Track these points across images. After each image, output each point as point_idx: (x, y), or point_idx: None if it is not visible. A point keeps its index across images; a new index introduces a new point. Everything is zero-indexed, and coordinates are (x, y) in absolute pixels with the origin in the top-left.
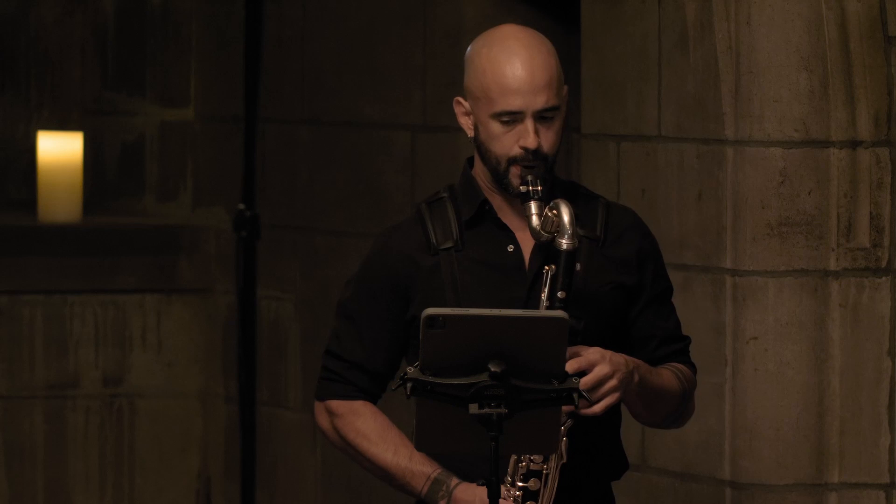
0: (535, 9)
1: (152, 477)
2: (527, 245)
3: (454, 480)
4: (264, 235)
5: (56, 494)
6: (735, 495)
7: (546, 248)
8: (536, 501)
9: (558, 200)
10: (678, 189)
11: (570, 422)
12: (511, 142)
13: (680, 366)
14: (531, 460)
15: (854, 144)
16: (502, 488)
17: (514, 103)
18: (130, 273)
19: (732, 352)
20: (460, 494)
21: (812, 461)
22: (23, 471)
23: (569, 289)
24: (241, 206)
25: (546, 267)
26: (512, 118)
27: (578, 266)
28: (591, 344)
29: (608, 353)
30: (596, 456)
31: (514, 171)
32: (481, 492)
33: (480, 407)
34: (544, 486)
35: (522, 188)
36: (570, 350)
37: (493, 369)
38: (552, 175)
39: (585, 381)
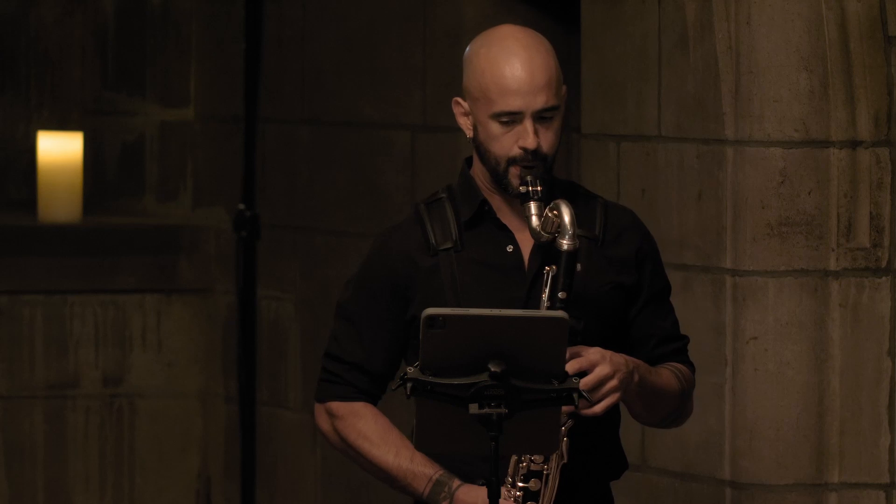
0: (535, 9)
1: (152, 477)
2: (526, 245)
3: (456, 482)
4: (264, 235)
5: (56, 494)
6: (735, 495)
7: (546, 248)
8: (537, 502)
9: (559, 201)
10: (678, 189)
11: (570, 422)
12: (510, 142)
13: (679, 365)
14: (532, 461)
15: (854, 144)
16: (503, 489)
17: (513, 104)
18: (130, 273)
19: (732, 352)
20: (462, 496)
21: (812, 461)
22: (23, 471)
23: (570, 289)
24: (241, 206)
25: (547, 268)
26: (511, 118)
27: (579, 267)
28: (590, 344)
29: (609, 353)
30: (595, 456)
31: (514, 172)
32: (483, 493)
33: (480, 407)
34: (545, 487)
35: (522, 188)
36: (571, 350)
37: (493, 369)
38: (551, 175)
39: (586, 382)
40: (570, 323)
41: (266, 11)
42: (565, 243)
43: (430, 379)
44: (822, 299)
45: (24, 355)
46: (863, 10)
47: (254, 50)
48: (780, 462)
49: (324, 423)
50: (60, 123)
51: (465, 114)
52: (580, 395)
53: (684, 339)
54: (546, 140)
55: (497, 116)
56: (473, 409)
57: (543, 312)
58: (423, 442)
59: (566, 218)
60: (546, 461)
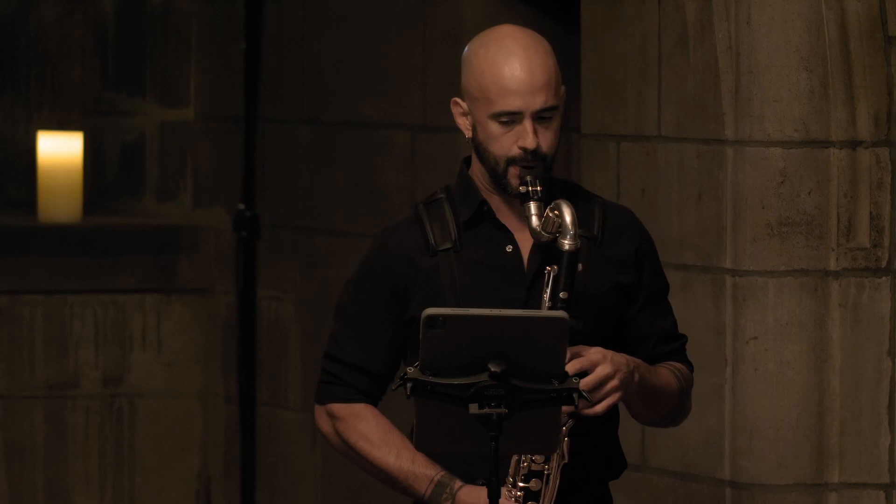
0: (535, 9)
1: (152, 477)
2: (525, 245)
3: (457, 483)
4: (264, 235)
5: (56, 494)
6: (735, 495)
7: (545, 248)
8: (538, 502)
9: (560, 201)
10: (678, 189)
11: (571, 422)
12: (510, 142)
13: (678, 364)
14: (532, 461)
15: (854, 144)
16: (504, 489)
17: (512, 104)
18: (130, 273)
19: (732, 352)
20: (464, 497)
21: (812, 461)
22: (23, 471)
23: (571, 289)
24: (241, 206)
25: (548, 268)
26: (510, 118)
27: (580, 266)
28: (590, 344)
29: (609, 353)
30: (595, 455)
31: (513, 172)
32: (485, 493)
33: (480, 407)
34: (546, 487)
35: (522, 189)
36: (572, 350)
37: (493, 369)
38: (550, 175)
39: (587, 382)
40: (570, 323)
41: (266, 11)
42: (567, 243)
43: (430, 379)
44: (822, 299)
45: (24, 355)
46: (863, 10)
47: (254, 50)
48: (780, 462)
49: (324, 424)
50: (60, 123)
51: (464, 114)
52: (580, 395)
53: (683, 339)
54: (545, 140)
55: (496, 116)
56: (473, 409)
57: (543, 312)
58: (422, 442)
59: (567, 218)
60: (547, 461)
